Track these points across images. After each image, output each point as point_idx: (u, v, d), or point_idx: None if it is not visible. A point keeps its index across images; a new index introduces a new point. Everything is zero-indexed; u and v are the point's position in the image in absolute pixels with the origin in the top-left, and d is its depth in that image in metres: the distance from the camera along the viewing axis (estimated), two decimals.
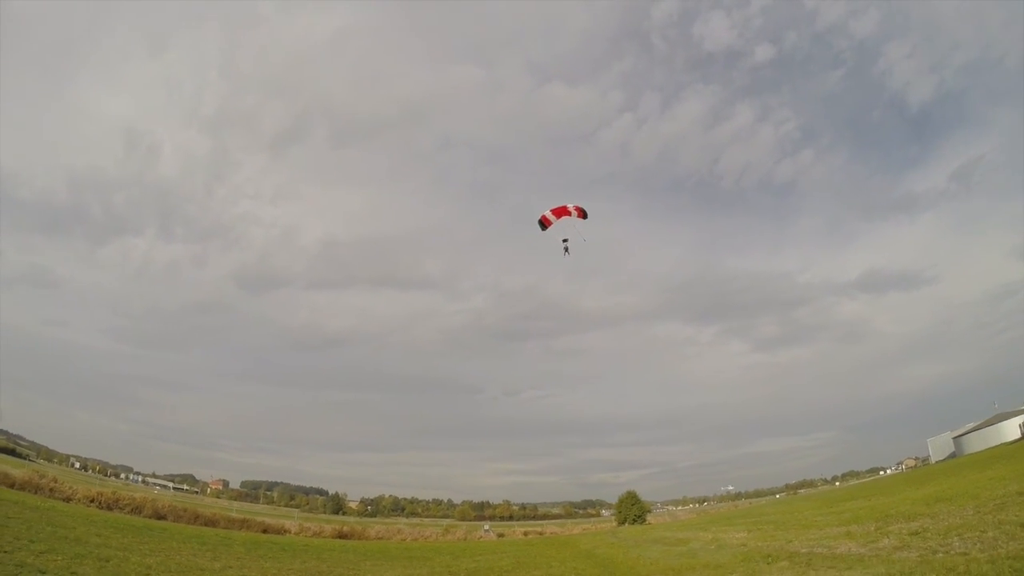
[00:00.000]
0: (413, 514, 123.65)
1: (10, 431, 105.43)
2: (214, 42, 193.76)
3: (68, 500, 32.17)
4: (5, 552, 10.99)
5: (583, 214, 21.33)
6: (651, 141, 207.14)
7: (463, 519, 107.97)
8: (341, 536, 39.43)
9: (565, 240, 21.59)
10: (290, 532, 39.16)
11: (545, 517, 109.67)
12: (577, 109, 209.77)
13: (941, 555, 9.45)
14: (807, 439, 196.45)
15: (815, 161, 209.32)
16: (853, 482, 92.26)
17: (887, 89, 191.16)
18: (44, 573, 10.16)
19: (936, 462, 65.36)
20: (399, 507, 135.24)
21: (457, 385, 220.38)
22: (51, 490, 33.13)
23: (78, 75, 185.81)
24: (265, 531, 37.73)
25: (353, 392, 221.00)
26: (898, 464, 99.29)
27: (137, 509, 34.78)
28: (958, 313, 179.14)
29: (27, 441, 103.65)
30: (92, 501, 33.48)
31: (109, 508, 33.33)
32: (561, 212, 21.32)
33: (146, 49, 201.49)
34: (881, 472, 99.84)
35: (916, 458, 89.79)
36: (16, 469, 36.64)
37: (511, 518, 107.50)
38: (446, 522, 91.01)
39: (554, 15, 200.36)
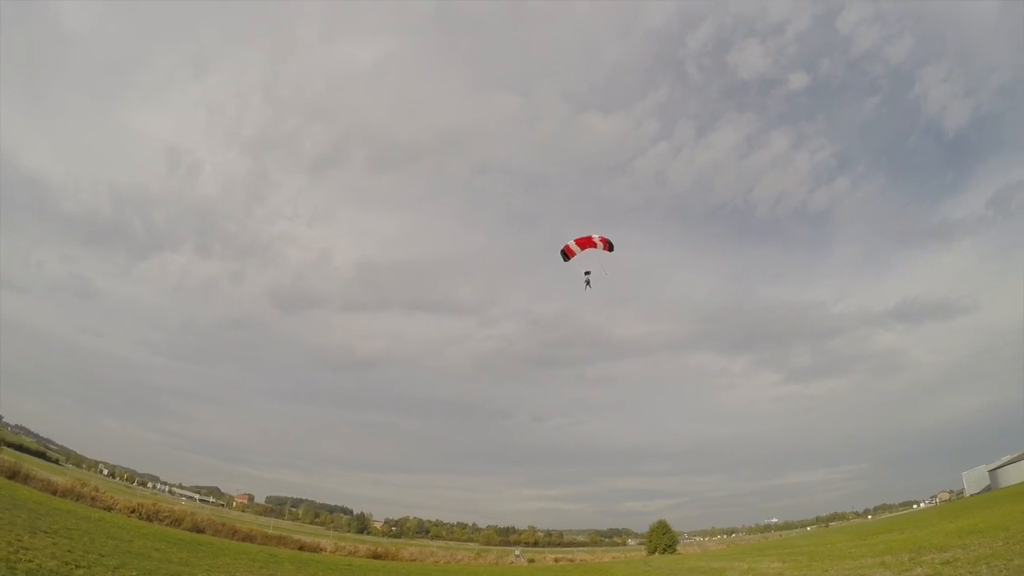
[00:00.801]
0: (438, 537, 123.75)
1: (40, 434, 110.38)
2: (256, 67, 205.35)
3: (109, 509, 33.10)
4: (83, 568, 11.55)
5: (609, 246, 20.73)
6: (686, 170, 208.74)
7: (488, 544, 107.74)
8: (375, 556, 40.16)
9: (587, 273, 21.06)
10: (325, 550, 40.34)
11: (571, 544, 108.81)
12: (612, 138, 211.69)
13: None
14: (839, 471, 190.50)
15: (850, 189, 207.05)
16: (886, 515, 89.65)
17: (923, 114, 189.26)
18: None
19: (971, 495, 63.91)
20: (423, 529, 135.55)
21: (486, 410, 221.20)
22: (92, 499, 34.06)
23: (125, 95, 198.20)
24: (301, 548, 38.85)
25: (382, 413, 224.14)
26: (932, 497, 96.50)
27: (176, 522, 35.65)
28: (996, 342, 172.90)
29: (57, 445, 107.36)
30: (133, 512, 34.44)
31: (149, 519, 34.23)
32: (586, 243, 20.81)
33: (190, 72, 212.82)
34: (915, 505, 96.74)
35: (950, 491, 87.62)
36: (58, 476, 38.46)
37: (536, 544, 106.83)
38: (471, 546, 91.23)
39: (590, 44, 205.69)
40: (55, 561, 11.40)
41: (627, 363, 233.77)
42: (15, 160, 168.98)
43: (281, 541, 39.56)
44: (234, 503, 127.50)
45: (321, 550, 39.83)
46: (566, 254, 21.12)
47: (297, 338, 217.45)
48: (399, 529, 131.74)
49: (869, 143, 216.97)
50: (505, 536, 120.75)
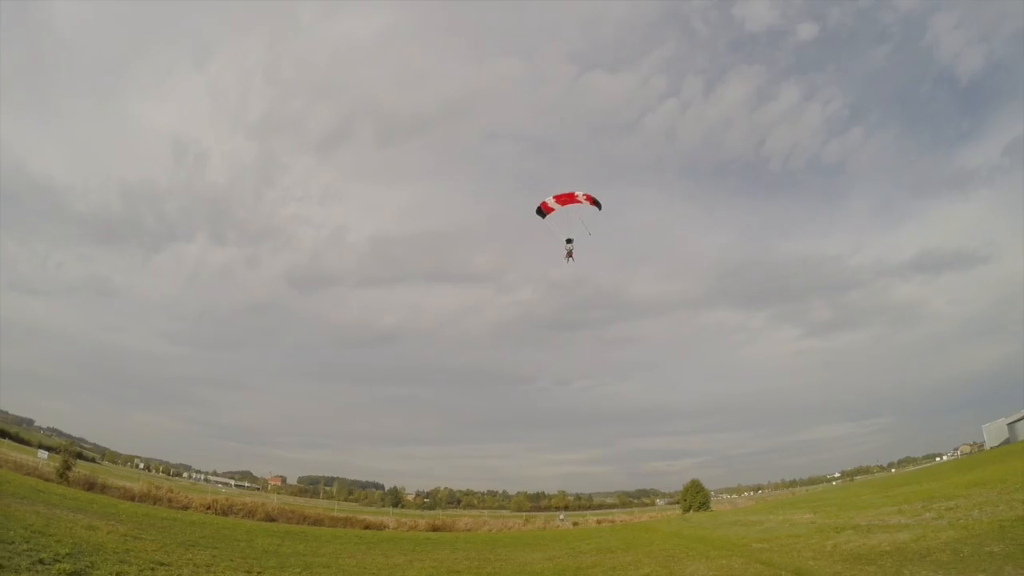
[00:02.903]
0: (470, 506, 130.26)
1: (73, 434, 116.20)
2: (257, 50, 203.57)
3: (185, 508, 34.63)
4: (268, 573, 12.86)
5: (595, 203, 19.24)
6: (696, 126, 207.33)
7: (519, 510, 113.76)
8: (435, 529, 43.70)
9: (569, 241, 19.43)
10: (388, 527, 42.37)
11: (600, 507, 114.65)
12: (620, 97, 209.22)
13: (962, 521, 13.91)
14: (862, 425, 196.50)
15: (864, 140, 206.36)
16: (910, 468, 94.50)
17: (935, 62, 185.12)
18: None
19: (991, 448, 66.78)
20: (455, 499, 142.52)
21: (509, 376, 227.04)
22: (168, 500, 35.48)
23: (126, 90, 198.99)
24: (367, 527, 40.92)
25: (406, 386, 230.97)
26: (955, 450, 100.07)
27: (250, 513, 37.53)
28: (1016, 292, 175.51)
29: (90, 443, 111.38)
30: (208, 508, 36.29)
31: (224, 514, 35.95)
32: (567, 200, 19.35)
33: (190, 61, 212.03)
34: (937, 458, 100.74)
35: (972, 444, 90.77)
36: (132, 483, 39.70)
37: (567, 508, 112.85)
38: (505, 513, 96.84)
39: (592, 3, 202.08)
40: (241, 572, 12.76)
41: (646, 323, 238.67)
42: (24, 167, 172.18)
43: (346, 522, 42.44)
44: (268, 486, 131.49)
45: (385, 527, 41.93)
46: (542, 211, 19.65)
47: (316, 317, 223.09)
48: (432, 501, 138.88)
49: (881, 93, 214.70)
50: (536, 501, 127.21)
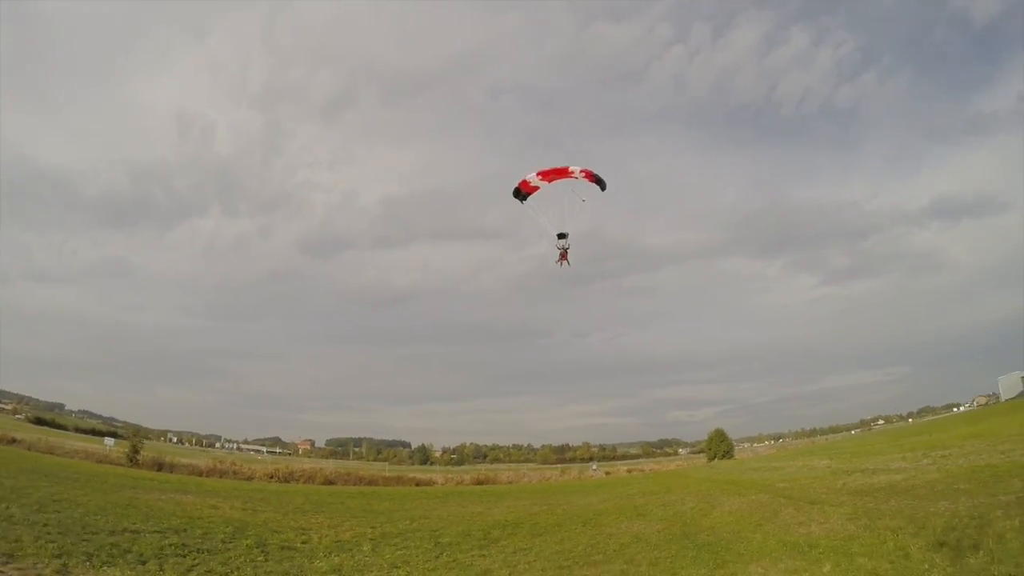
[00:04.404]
0: (496, 460, 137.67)
1: (103, 414, 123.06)
2: (254, 20, 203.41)
3: (249, 479, 36.54)
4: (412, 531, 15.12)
5: (597, 180, 15.63)
6: (704, 73, 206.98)
7: (545, 462, 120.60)
8: (479, 483, 47.57)
9: (562, 236, 15.67)
10: (437, 483, 46.39)
11: (624, 457, 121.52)
12: (625, 46, 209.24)
13: (950, 467, 17.69)
14: (881, 373, 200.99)
15: (877, 84, 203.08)
16: (928, 418, 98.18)
17: (949, 4, 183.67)
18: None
19: (1005, 400, 69.51)
20: (481, 454, 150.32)
21: (527, 331, 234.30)
22: (234, 473, 37.75)
23: (126, 72, 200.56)
24: (418, 484, 44.15)
25: (426, 345, 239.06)
26: (972, 401, 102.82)
27: (310, 478, 39.86)
28: None
29: (121, 422, 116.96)
30: (271, 477, 38.12)
31: (286, 481, 37.92)
32: (558, 175, 15.64)
33: (188, 36, 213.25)
34: (955, 409, 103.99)
35: (989, 395, 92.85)
36: (199, 460, 43.52)
37: (591, 459, 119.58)
38: (529, 466, 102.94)
39: None
40: (368, 527, 15.79)
41: (662, 273, 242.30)
42: (31, 158, 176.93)
43: (398, 480, 45.71)
44: (299, 450, 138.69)
45: (433, 483, 45.98)
46: (521, 192, 15.97)
47: (332, 282, 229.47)
48: (459, 456, 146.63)
49: (894, 36, 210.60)
50: (561, 454, 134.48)
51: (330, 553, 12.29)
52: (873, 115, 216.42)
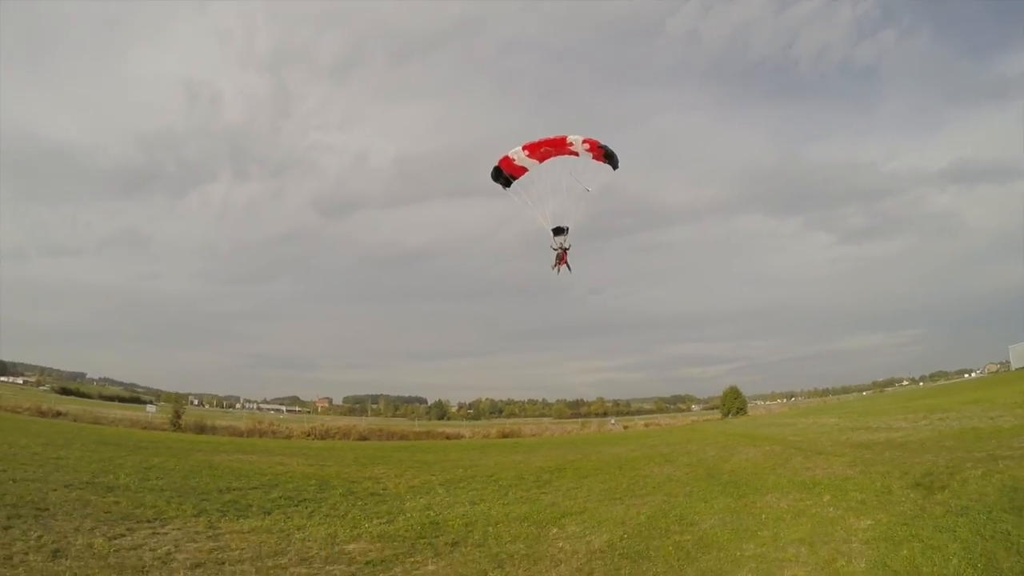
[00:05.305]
0: (512, 415, 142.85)
1: (124, 381, 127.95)
2: None
3: (288, 438, 38.91)
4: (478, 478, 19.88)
5: (606, 156, 12.42)
6: (720, 27, 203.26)
7: (559, 417, 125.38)
8: (505, 436, 50.01)
9: (561, 232, 12.56)
10: (465, 437, 49.13)
11: (639, 412, 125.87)
12: None
13: (942, 428, 20.32)
14: (896, 336, 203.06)
15: (896, 42, 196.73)
16: (940, 382, 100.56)
17: None
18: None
19: (1016, 369, 70.78)
20: (497, 409, 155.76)
21: (542, 287, 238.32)
22: (273, 433, 40.08)
23: (130, 43, 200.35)
24: (447, 438, 47.24)
25: (441, 302, 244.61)
26: (983, 368, 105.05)
27: (346, 435, 42.50)
28: None
29: (143, 387, 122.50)
30: (308, 435, 40.57)
31: (323, 438, 40.42)
32: (553, 149, 12.43)
33: (191, 3, 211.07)
34: (967, 375, 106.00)
35: (1000, 363, 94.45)
36: (237, 421, 45.49)
37: (606, 414, 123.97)
38: (547, 421, 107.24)
39: None
40: (425, 475, 20.10)
41: (676, 230, 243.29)
42: (39, 134, 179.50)
43: (430, 435, 48.58)
44: (318, 408, 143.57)
45: (461, 437, 48.83)
46: (503, 173, 13.02)
47: (347, 242, 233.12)
48: (475, 411, 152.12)
49: None
50: (576, 409, 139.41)
51: (414, 495, 14.30)
52: (892, 74, 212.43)
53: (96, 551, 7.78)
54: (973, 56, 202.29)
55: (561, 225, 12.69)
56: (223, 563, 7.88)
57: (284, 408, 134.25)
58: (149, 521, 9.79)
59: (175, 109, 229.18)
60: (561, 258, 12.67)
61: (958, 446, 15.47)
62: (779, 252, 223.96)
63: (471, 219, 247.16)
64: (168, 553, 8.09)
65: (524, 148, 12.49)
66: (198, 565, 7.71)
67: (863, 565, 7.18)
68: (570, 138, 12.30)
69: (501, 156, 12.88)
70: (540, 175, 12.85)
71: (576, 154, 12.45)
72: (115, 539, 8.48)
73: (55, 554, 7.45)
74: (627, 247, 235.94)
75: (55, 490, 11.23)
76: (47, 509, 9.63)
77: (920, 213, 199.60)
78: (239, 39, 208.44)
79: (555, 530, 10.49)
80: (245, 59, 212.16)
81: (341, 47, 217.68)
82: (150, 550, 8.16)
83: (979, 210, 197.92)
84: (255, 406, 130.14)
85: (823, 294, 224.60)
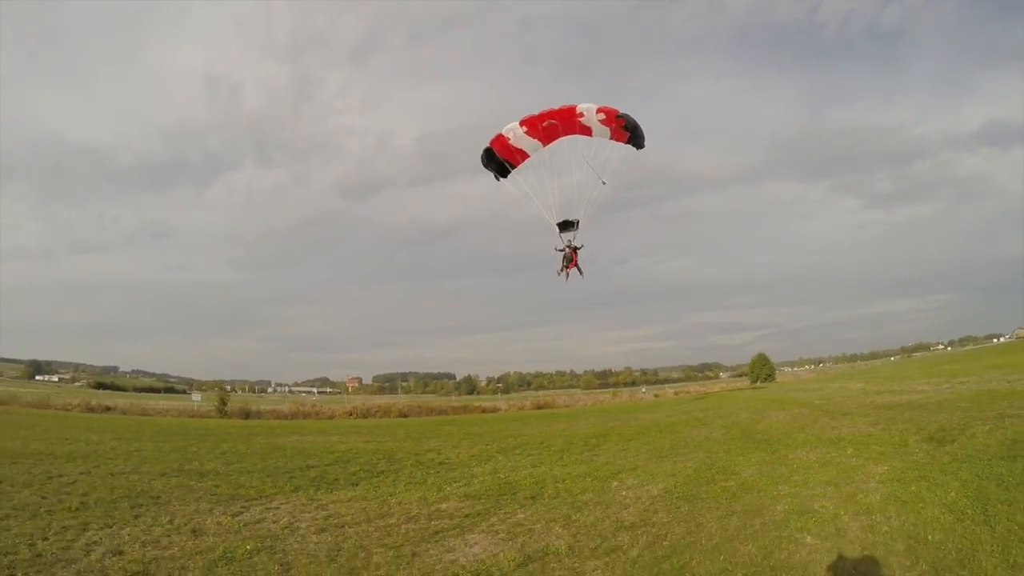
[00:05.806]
0: (540, 387, 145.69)
1: (156, 372, 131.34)
2: None
3: (331, 418, 40.19)
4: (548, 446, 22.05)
5: (629, 132, 10.21)
6: None
7: (588, 387, 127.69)
8: (540, 408, 52.59)
9: (569, 226, 10.42)
10: (501, 410, 50.91)
11: (667, 381, 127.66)
12: None
13: (961, 390, 21.81)
14: (924, 300, 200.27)
15: (925, 4, 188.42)
16: (969, 347, 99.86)
17: None
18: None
19: None
20: (525, 382, 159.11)
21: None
22: (316, 414, 42.00)
23: (148, 40, 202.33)
24: (484, 411, 48.79)
25: (466, 278, 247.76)
26: (1012, 333, 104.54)
27: (386, 413, 43.96)
28: None
29: (175, 377, 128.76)
30: (350, 415, 41.95)
31: (364, 416, 41.85)
32: (559, 122, 10.04)
33: None
34: (995, 340, 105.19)
35: None
36: (279, 405, 46.82)
37: (634, 384, 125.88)
38: (578, 391, 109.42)
39: None
40: (481, 445, 22.09)
41: (702, 198, 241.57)
42: (64, 136, 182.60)
43: (465, 409, 50.13)
44: (348, 389, 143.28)
45: (498, 410, 50.54)
46: (497, 157, 10.66)
47: (372, 222, 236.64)
48: (504, 385, 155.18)
49: None
50: (604, 379, 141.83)
51: (478, 463, 15.46)
52: (920, 36, 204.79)
53: (227, 527, 8.59)
54: (1003, 18, 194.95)
55: (569, 219, 10.49)
56: (343, 526, 8.85)
57: (315, 390, 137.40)
58: (256, 499, 10.62)
59: (196, 101, 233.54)
60: (570, 260, 10.42)
61: (972, 407, 17.09)
62: (806, 218, 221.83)
63: (494, 195, 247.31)
64: (290, 523, 8.92)
65: (522, 123, 10.07)
66: (322, 530, 8.58)
67: (878, 498, 9.02)
68: (580, 107, 9.78)
69: (493, 135, 10.39)
70: (542, 157, 10.55)
71: (588, 130, 10.10)
72: (236, 516, 9.32)
73: (195, 532, 8.20)
74: (652, 216, 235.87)
75: (154, 480, 12.03)
76: (159, 497, 10.40)
77: (950, 176, 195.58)
78: (257, 27, 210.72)
79: (615, 483, 12.42)
80: (264, 46, 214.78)
81: (358, 30, 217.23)
82: (273, 522, 9.00)
83: (1011, 172, 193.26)
84: (287, 389, 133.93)
85: (850, 260, 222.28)
